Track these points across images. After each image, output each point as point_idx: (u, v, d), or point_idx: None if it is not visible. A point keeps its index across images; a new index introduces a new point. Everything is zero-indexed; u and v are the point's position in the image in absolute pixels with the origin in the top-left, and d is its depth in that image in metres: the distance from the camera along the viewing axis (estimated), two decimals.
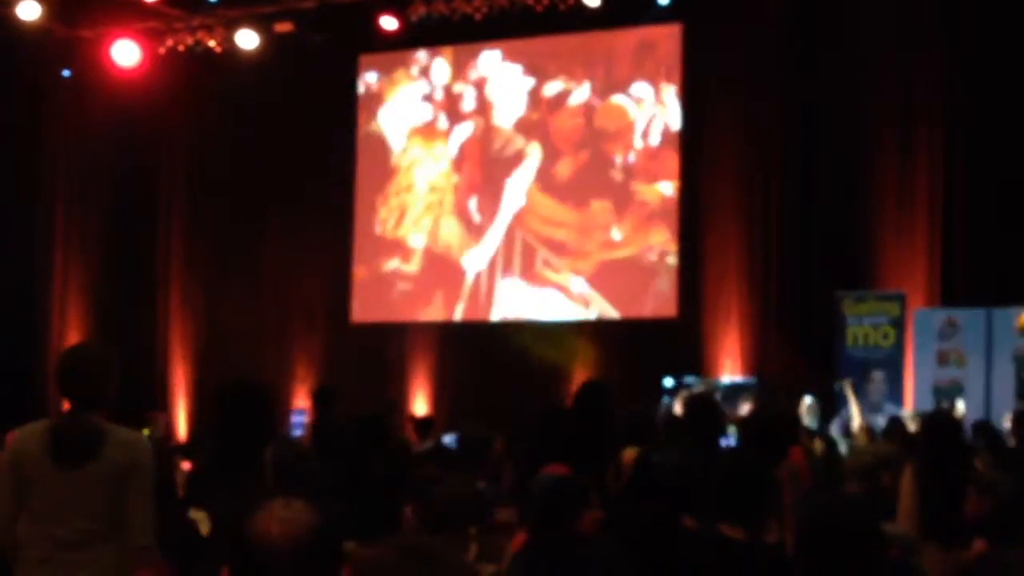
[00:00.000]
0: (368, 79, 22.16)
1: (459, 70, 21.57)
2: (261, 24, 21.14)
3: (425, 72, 21.81)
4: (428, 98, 21.75)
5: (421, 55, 21.73)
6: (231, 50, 21.45)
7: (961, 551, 7.09)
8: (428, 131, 21.73)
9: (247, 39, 21.15)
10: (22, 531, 5.99)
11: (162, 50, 21.99)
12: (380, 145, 22.03)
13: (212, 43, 21.71)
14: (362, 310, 21.84)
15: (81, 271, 23.44)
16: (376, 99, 22.12)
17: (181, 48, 21.96)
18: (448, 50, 21.56)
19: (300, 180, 21.88)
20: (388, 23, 20.31)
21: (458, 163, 21.45)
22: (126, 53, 21.79)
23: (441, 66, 21.69)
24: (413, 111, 21.84)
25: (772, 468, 8.24)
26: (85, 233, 23.51)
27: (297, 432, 19.39)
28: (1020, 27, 17.37)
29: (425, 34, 20.83)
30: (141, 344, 22.48)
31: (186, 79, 22.33)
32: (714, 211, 19.39)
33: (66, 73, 22.82)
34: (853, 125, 18.38)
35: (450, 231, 21.38)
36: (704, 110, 19.72)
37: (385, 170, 21.96)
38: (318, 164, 21.89)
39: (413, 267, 21.59)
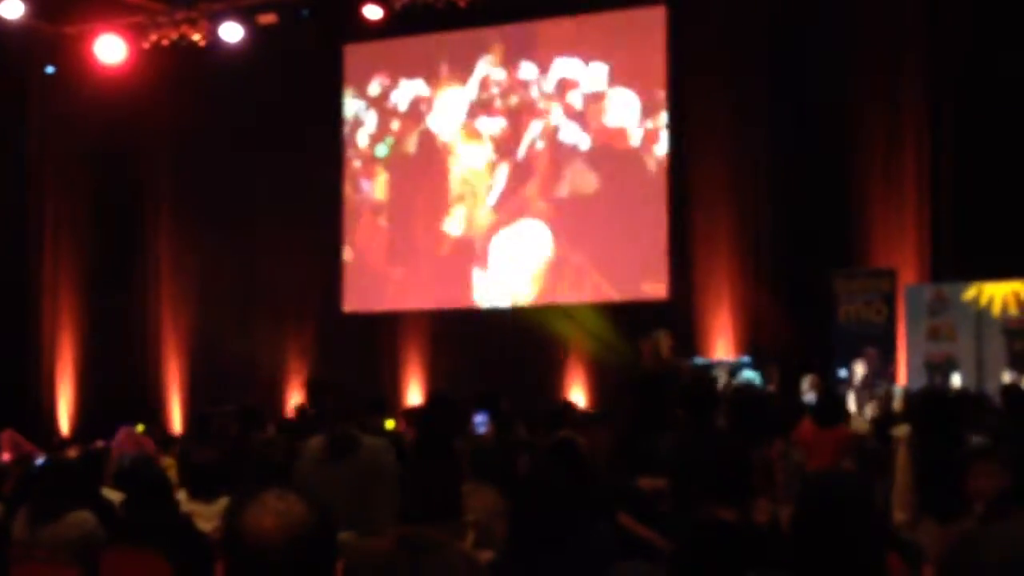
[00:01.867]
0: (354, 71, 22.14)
1: (449, 56, 21.54)
2: (244, 17, 21.10)
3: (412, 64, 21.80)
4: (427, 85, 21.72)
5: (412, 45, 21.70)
6: (215, 43, 21.41)
7: (958, 525, 7.09)
8: (415, 117, 21.70)
9: (231, 32, 21.10)
10: None
11: (146, 45, 21.95)
12: (367, 133, 21.99)
13: (196, 37, 21.66)
14: (353, 299, 21.82)
15: (70, 265, 23.42)
16: (363, 91, 22.09)
17: (165, 43, 21.91)
18: (438, 37, 21.52)
19: (288, 171, 21.84)
20: (372, 12, 20.27)
21: (441, 152, 21.43)
22: (110, 49, 21.76)
23: (429, 52, 21.67)
24: (406, 101, 21.82)
25: (762, 448, 8.27)
26: (73, 227, 23.48)
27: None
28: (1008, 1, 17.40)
29: (410, 22, 20.78)
30: (133, 338, 22.50)
31: (171, 73, 22.28)
32: (704, 190, 19.39)
33: (50, 69, 22.76)
34: (841, 102, 18.38)
35: (441, 217, 21.36)
36: (692, 89, 19.70)
37: (374, 158, 21.93)
38: (305, 155, 21.85)
39: (403, 255, 21.57)
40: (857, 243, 18.13)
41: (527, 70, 20.91)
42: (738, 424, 8.42)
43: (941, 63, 17.87)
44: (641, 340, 15.05)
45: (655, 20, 20.05)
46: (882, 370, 16.74)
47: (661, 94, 19.98)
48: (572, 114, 20.57)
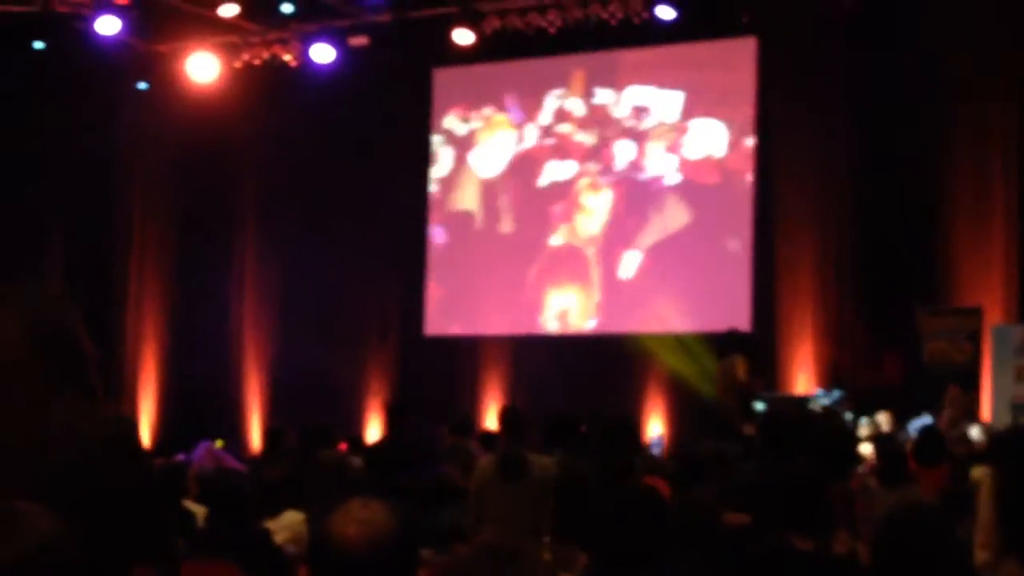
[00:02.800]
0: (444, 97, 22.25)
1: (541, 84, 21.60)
2: (336, 38, 21.24)
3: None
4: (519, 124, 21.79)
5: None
6: (306, 64, 21.58)
7: None
8: (499, 144, 21.76)
9: (322, 53, 21.25)
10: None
11: (238, 64, 22.15)
12: (452, 157, 22.07)
13: (287, 57, 21.84)
14: (435, 322, 21.88)
15: (154, 280, 23.64)
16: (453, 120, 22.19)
17: (257, 62, 22.11)
18: (528, 63, 21.57)
19: (373, 193, 21.95)
20: (463, 37, 20.34)
21: (532, 179, 21.46)
22: (202, 67, 21.98)
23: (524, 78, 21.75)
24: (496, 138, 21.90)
25: (844, 480, 8.22)
26: (159, 243, 23.70)
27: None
28: None
29: (500, 48, 20.85)
30: (215, 353, 22.65)
31: (261, 93, 22.46)
32: (789, 222, 19.32)
33: (142, 85, 23.00)
34: (929, 135, 18.29)
35: (524, 241, 21.39)
36: (778, 120, 19.64)
37: (460, 185, 22.00)
38: (392, 177, 21.97)
39: (486, 279, 21.61)
40: (943, 279, 18.00)
41: (610, 98, 20.90)
42: (819, 455, 8.35)
43: None
44: (718, 365, 15.03)
45: (744, 50, 20.00)
46: (966, 410, 16.57)
47: (748, 125, 19.92)
48: (658, 143, 20.54)
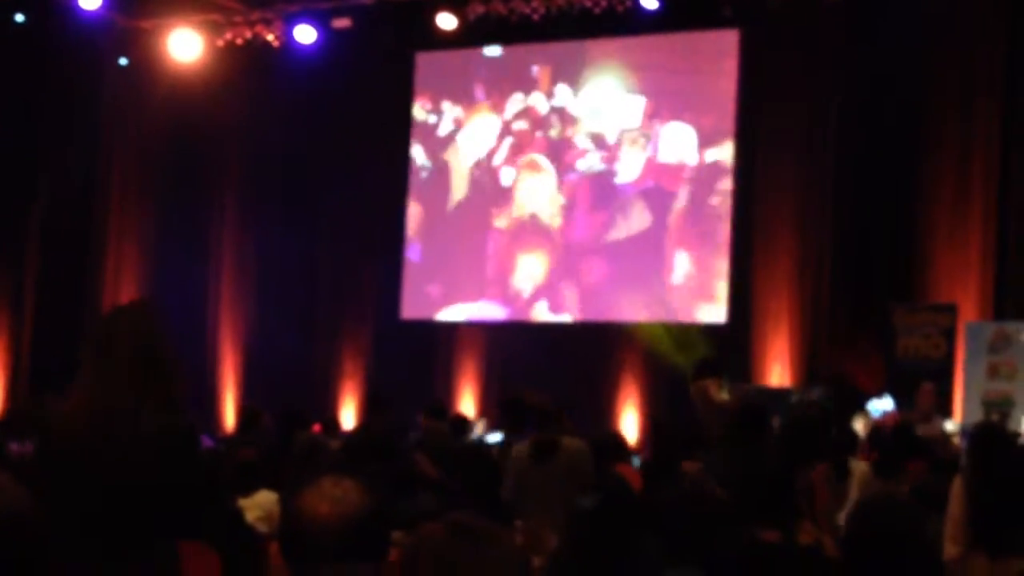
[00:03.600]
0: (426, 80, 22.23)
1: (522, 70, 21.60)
2: (319, 19, 21.22)
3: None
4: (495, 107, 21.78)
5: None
6: (288, 44, 21.55)
7: (1008, 560, 7.07)
8: (481, 131, 21.76)
9: (305, 34, 21.23)
10: None
11: (220, 43, 22.11)
12: (436, 140, 22.06)
13: (270, 37, 21.80)
14: (411, 306, 21.87)
15: (132, 258, 23.57)
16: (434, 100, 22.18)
17: (239, 41, 22.06)
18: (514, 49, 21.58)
19: (354, 175, 21.94)
20: (446, 21, 20.33)
21: (515, 161, 21.46)
22: (184, 45, 21.94)
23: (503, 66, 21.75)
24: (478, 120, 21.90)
25: (805, 471, 8.26)
26: (138, 222, 23.64)
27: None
28: None
29: (482, 33, 20.84)
30: (191, 336, 22.60)
31: (243, 72, 22.42)
32: (766, 217, 19.35)
33: (123, 61, 22.94)
34: (909, 133, 18.34)
35: (502, 230, 21.39)
36: (758, 115, 19.67)
37: (442, 167, 21.98)
38: (373, 159, 21.96)
39: (463, 266, 21.60)
40: (919, 276, 18.06)
41: (587, 87, 20.92)
42: (786, 446, 8.41)
43: (1014, 100, 17.80)
44: (691, 388, 15.02)
45: (727, 42, 20.01)
46: (938, 405, 16.63)
47: (729, 117, 19.93)
48: (634, 134, 20.55)
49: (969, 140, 18.04)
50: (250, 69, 22.35)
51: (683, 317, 19.83)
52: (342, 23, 21.26)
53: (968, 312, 17.38)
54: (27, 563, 2.93)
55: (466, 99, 21.88)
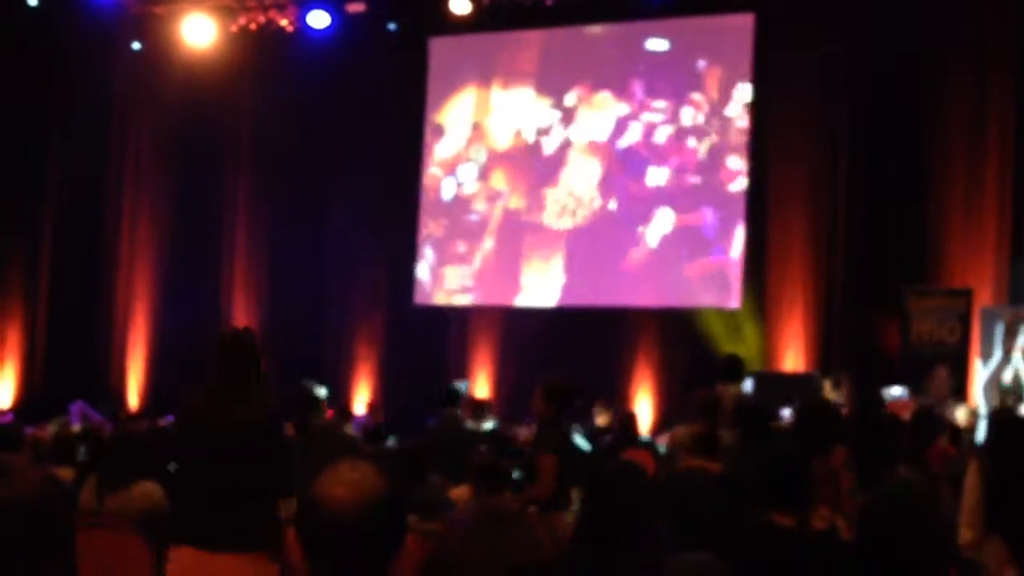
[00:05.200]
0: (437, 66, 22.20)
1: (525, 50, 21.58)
2: (333, 4, 21.21)
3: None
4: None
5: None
6: (302, 29, 21.54)
7: None
8: (497, 116, 21.75)
9: (318, 19, 21.23)
10: None
11: (234, 28, 22.10)
12: (448, 127, 22.05)
13: (284, 22, 21.79)
14: (424, 291, 21.88)
15: (146, 243, 23.60)
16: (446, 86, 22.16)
17: (253, 27, 22.05)
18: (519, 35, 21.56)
19: (367, 160, 21.94)
20: (460, 6, 20.30)
21: (527, 151, 21.44)
22: (198, 30, 21.94)
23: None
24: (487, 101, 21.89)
25: (826, 456, 8.26)
26: (153, 205, 23.66)
27: None
28: None
29: (497, 18, 20.81)
30: (205, 317, 22.63)
31: (257, 57, 22.43)
32: (780, 203, 19.33)
33: (136, 46, 22.95)
34: (923, 118, 18.32)
35: (517, 215, 21.39)
36: (773, 102, 19.65)
37: (455, 154, 21.98)
38: (386, 146, 21.94)
39: (477, 252, 21.61)
40: (933, 260, 18.04)
41: (618, 75, 20.90)
42: (803, 432, 8.41)
43: None
44: (701, 400, 14.96)
45: (742, 31, 19.98)
46: (953, 390, 16.62)
47: (743, 101, 19.91)
48: (651, 118, 20.53)
49: (984, 123, 18.00)
50: (264, 54, 22.36)
51: (697, 302, 19.82)
52: (356, 8, 21.27)
53: (983, 296, 17.36)
54: (50, 541, 3.08)
55: (483, 84, 21.86)
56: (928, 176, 18.27)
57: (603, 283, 20.63)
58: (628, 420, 14.37)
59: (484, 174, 21.71)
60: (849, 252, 18.77)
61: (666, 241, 20.25)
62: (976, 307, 17.16)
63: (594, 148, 20.91)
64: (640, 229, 20.42)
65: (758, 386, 15.79)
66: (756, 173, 19.70)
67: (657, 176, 20.43)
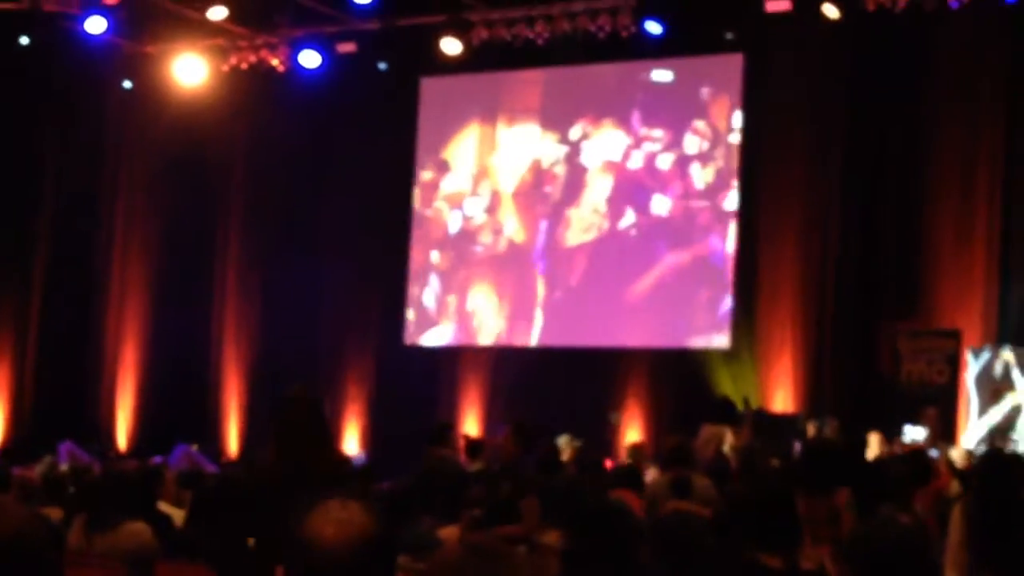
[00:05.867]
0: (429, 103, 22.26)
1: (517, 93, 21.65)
2: (324, 44, 21.26)
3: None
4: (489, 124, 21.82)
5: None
6: (293, 69, 21.58)
7: None
8: (487, 156, 21.80)
9: (310, 59, 21.27)
10: None
11: (225, 67, 22.12)
12: (437, 168, 22.09)
13: (275, 62, 21.82)
14: (415, 331, 21.88)
15: (137, 281, 23.59)
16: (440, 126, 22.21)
17: (244, 66, 22.07)
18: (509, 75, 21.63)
19: (358, 200, 21.95)
20: (450, 46, 20.35)
21: (516, 191, 21.48)
22: (189, 69, 21.96)
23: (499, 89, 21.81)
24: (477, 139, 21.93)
25: (827, 496, 8.27)
26: (143, 243, 23.66)
27: None
28: None
29: (487, 58, 20.85)
30: (195, 356, 22.64)
31: (248, 97, 22.46)
32: (771, 241, 19.36)
33: (127, 84, 22.97)
34: (913, 160, 18.39)
35: (505, 257, 21.41)
36: (764, 140, 19.71)
37: (445, 193, 22.01)
38: (377, 185, 21.97)
39: (466, 291, 21.62)
40: (923, 301, 18.08)
41: (603, 115, 20.95)
42: (805, 472, 8.42)
43: (1018, 123, 17.84)
44: (704, 430, 14.95)
45: (731, 66, 20.04)
46: (942, 431, 16.63)
47: (734, 143, 19.97)
48: (641, 155, 20.58)
49: (972, 164, 18.07)
50: (255, 94, 22.40)
51: (687, 343, 19.85)
52: (347, 48, 21.31)
53: (972, 338, 17.38)
54: None
55: (480, 124, 21.93)
56: (919, 218, 18.32)
57: (593, 323, 20.64)
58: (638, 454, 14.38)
59: (476, 214, 21.73)
60: (838, 294, 18.79)
61: (658, 281, 20.27)
62: (965, 348, 17.19)
63: (600, 180, 20.95)
64: (630, 270, 20.45)
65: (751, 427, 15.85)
66: (746, 214, 19.74)
67: (651, 224, 20.45)
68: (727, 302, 19.72)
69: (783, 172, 19.39)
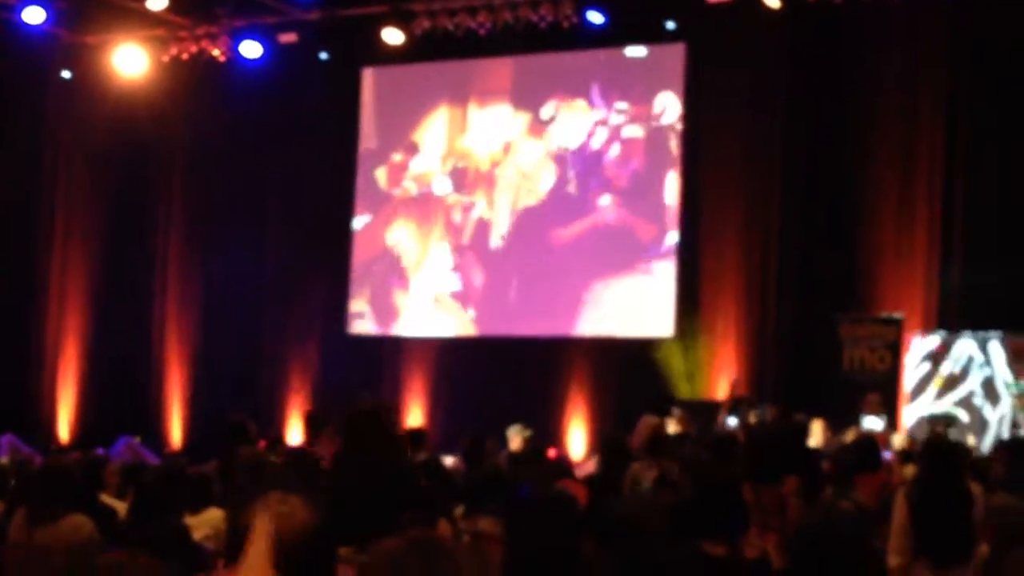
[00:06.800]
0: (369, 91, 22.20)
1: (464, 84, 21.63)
2: (265, 34, 21.17)
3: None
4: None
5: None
6: (235, 59, 21.48)
7: (951, 570, 7.14)
8: (430, 144, 21.77)
9: (251, 49, 21.17)
10: None
11: (166, 58, 21.99)
12: (381, 155, 22.05)
13: (216, 52, 21.70)
14: (359, 321, 21.83)
15: (78, 272, 23.44)
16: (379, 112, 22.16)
17: (185, 56, 21.94)
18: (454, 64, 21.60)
19: (300, 189, 21.89)
20: (392, 36, 20.30)
21: (456, 180, 21.46)
22: (129, 59, 21.82)
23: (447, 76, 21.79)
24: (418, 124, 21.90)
25: (776, 485, 8.30)
26: (83, 234, 23.51)
27: None
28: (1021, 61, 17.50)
29: (429, 48, 20.82)
30: (137, 347, 22.53)
31: (188, 87, 22.34)
32: (713, 231, 19.43)
33: (66, 75, 22.81)
34: (855, 148, 18.48)
35: (446, 247, 21.39)
36: (705, 129, 19.76)
37: (385, 181, 21.97)
38: (319, 174, 21.91)
39: (409, 281, 21.59)
40: (865, 288, 18.18)
41: (541, 104, 20.96)
42: (752, 461, 8.45)
43: (956, 113, 17.96)
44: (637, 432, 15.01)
45: (673, 56, 20.08)
46: (884, 417, 16.71)
47: (675, 131, 20.01)
48: (585, 150, 20.60)
49: (913, 151, 18.18)
50: (196, 85, 22.27)
51: (632, 332, 19.88)
52: (288, 38, 21.22)
53: (914, 324, 17.50)
54: None
55: (417, 112, 21.87)
56: (861, 205, 18.42)
57: (538, 312, 20.64)
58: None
59: (422, 203, 21.69)
60: (781, 282, 18.87)
61: (601, 270, 20.31)
62: (906, 335, 17.30)
63: (523, 182, 20.96)
64: (574, 258, 20.48)
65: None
66: (689, 203, 19.79)
67: (594, 209, 20.49)
68: (671, 292, 19.75)
69: (724, 161, 19.46)
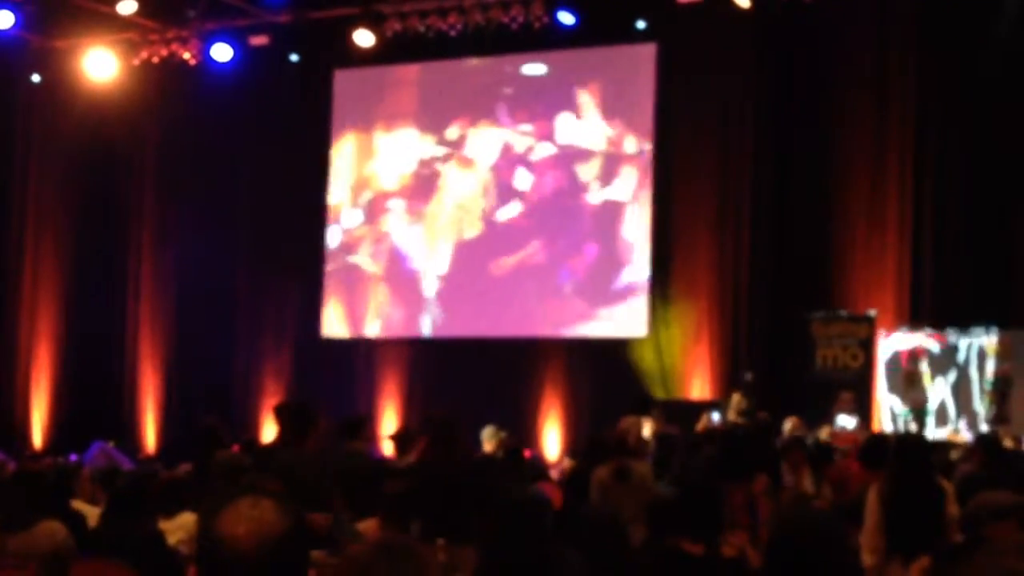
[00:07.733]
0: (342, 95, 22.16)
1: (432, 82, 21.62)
2: (236, 37, 21.13)
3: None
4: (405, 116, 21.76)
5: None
6: (205, 62, 21.42)
7: (919, 560, 7.18)
8: (402, 146, 21.74)
9: (222, 52, 21.12)
10: None
11: (136, 61, 21.91)
12: (353, 158, 22.01)
13: (187, 55, 21.64)
14: (332, 324, 21.79)
15: (50, 278, 23.35)
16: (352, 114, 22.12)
17: (155, 60, 21.88)
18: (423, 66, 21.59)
19: (272, 193, 21.85)
20: (363, 38, 20.27)
21: (428, 181, 21.45)
22: (100, 63, 21.74)
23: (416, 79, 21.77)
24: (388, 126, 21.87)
25: (746, 483, 8.33)
26: (55, 240, 23.42)
27: None
28: (989, 60, 17.55)
29: (400, 50, 20.79)
30: (110, 353, 22.45)
31: (159, 90, 22.29)
32: (686, 231, 19.46)
33: (36, 78, 22.72)
34: (825, 147, 18.53)
35: (416, 247, 21.37)
36: (677, 131, 19.78)
37: (357, 184, 21.94)
38: (290, 178, 21.87)
39: (383, 282, 21.57)
40: (837, 286, 18.22)
41: (514, 106, 20.95)
42: (723, 460, 8.48)
43: (926, 113, 18.03)
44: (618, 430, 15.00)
45: (644, 56, 20.10)
46: (857, 415, 16.76)
47: (646, 130, 20.02)
48: (557, 156, 20.61)
49: (884, 150, 18.23)
50: (166, 88, 22.22)
51: (605, 332, 19.90)
52: (259, 41, 21.18)
53: (885, 322, 17.55)
54: None
55: (388, 117, 21.85)
56: (832, 204, 18.47)
57: (513, 313, 20.63)
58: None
59: (385, 206, 21.67)
60: (753, 280, 18.91)
61: (575, 270, 20.32)
62: (878, 332, 17.35)
63: (494, 182, 20.95)
64: (545, 258, 20.48)
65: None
66: (661, 202, 19.81)
67: (564, 209, 20.49)
68: (644, 292, 19.77)
69: (696, 161, 19.48)
